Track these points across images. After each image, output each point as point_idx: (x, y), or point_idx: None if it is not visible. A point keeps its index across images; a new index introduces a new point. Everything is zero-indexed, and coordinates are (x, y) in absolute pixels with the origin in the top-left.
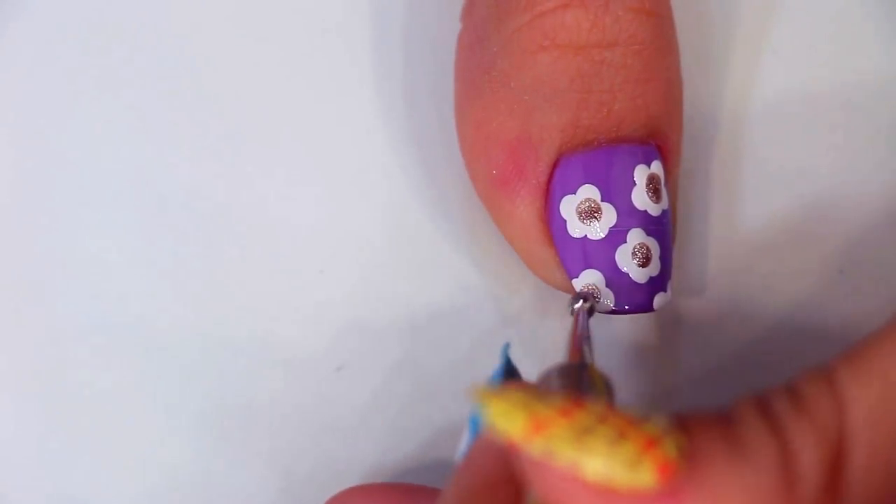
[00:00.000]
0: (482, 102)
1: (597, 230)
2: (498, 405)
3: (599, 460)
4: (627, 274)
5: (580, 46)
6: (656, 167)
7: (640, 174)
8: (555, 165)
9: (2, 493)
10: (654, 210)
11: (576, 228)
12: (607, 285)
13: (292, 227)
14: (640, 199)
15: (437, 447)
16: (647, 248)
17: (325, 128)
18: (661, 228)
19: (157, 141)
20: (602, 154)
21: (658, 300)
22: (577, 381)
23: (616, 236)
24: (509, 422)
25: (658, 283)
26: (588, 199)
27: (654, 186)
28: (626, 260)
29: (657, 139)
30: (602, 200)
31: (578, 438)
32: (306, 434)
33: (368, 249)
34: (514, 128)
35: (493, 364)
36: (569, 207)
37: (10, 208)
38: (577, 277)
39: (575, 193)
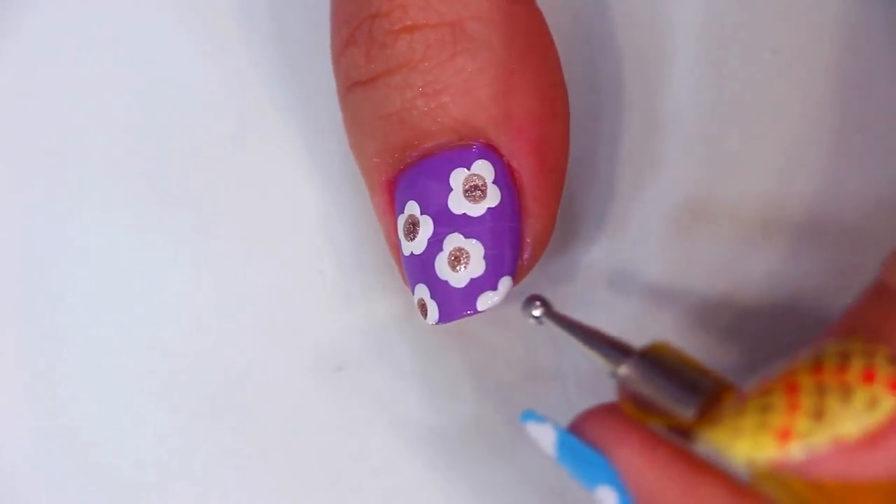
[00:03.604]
0: None
1: (418, 244)
2: (741, 446)
3: (851, 423)
4: (447, 282)
5: (366, 80)
6: (480, 167)
7: (457, 178)
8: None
9: (3, 492)
10: (474, 211)
11: (405, 247)
12: (432, 297)
13: (292, 226)
14: (457, 203)
15: (437, 448)
16: (465, 252)
17: (325, 127)
18: (485, 227)
19: (154, 144)
20: (415, 168)
21: (482, 300)
22: (673, 370)
23: (433, 246)
24: (760, 449)
25: (482, 283)
26: (410, 216)
27: (473, 187)
28: (443, 268)
29: (479, 138)
30: (421, 213)
31: (818, 419)
32: (306, 434)
33: (368, 249)
34: (358, 164)
35: (492, 366)
36: (399, 228)
37: (9, 209)
38: (413, 293)
39: (403, 212)
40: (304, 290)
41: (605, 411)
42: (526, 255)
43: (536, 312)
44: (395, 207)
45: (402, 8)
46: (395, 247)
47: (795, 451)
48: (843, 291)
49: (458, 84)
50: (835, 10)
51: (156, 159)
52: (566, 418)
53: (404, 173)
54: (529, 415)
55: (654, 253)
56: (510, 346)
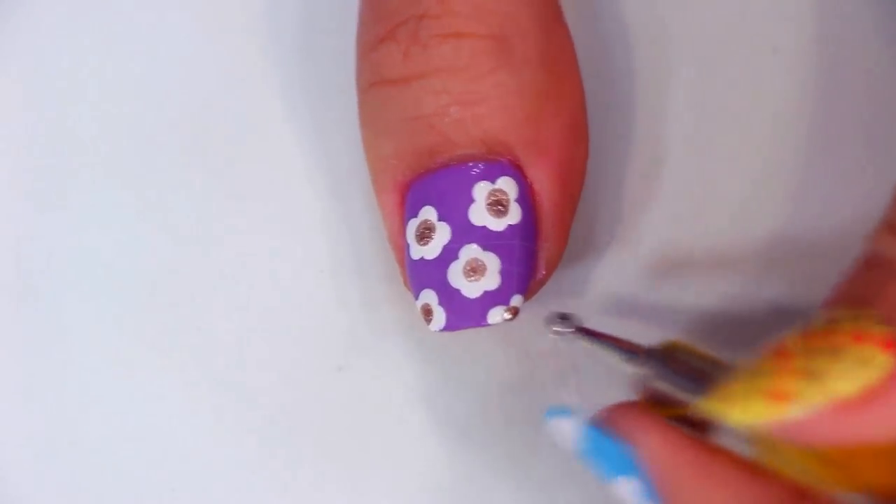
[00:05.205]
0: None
1: (431, 249)
2: (735, 412)
3: (844, 380)
4: (459, 290)
5: (398, 78)
6: (504, 183)
7: (480, 191)
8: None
9: (4, 492)
10: (495, 225)
11: (415, 251)
12: (439, 303)
13: (293, 225)
14: (479, 215)
15: (437, 448)
16: (482, 263)
17: (325, 129)
18: (504, 243)
19: (154, 142)
20: (438, 175)
21: (494, 314)
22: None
23: (448, 253)
24: (755, 414)
25: (495, 297)
26: (425, 221)
27: (496, 202)
28: (457, 277)
29: (506, 155)
30: (438, 220)
31: (811, 378)
32: (306, 434)
33: (368, 249)
34: (369, 162)
35: (493, 368)
36: (410, 231)
37: (10, 209)
38: (417, 298)
39: (416, 216)
40: (304, 290)
41: (628, 406)
42: (538, 277)
43: (565, 329)
44: (405, 210)
45: (453, 14)
46: (400, 249)
47: (790, 411)
48: None
49: (495, 98)
50: (835, 10)
51: (156, 158)
52: None
53: (422, 178)
54: (555, 410)
55: (658, 268)
56: (511, 347)
